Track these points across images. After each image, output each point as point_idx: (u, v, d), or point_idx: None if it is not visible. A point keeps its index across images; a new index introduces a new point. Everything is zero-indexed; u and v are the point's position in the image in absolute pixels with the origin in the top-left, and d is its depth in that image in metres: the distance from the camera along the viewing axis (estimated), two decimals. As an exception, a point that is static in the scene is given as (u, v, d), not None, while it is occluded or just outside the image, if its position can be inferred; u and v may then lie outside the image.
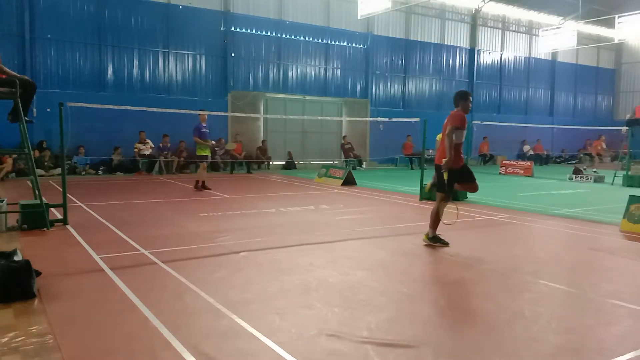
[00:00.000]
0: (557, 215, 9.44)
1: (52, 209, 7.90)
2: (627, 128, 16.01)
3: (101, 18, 17.00)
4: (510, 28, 27.82)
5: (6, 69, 7.16)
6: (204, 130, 12.27)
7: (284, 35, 20.53)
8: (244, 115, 18.09)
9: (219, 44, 19.27)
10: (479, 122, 20.72)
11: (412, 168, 21.90)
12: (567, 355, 3.40)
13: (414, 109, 23.45)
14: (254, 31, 19.87)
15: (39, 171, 11.59)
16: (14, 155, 14.37)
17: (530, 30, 28.33)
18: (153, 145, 17.25)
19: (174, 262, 5.55)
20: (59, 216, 7.73)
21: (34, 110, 13.92)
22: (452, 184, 6.53)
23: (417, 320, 4.00)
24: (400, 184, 14.71)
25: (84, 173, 16.03)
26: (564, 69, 30.13)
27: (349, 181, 14.21)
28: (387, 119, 19.16)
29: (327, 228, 7.82)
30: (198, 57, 18.90)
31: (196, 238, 6.83)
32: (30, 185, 8.82)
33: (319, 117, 19.94)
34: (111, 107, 13.12)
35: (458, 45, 25.78)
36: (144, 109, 12.61)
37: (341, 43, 22.03)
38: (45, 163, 15.28)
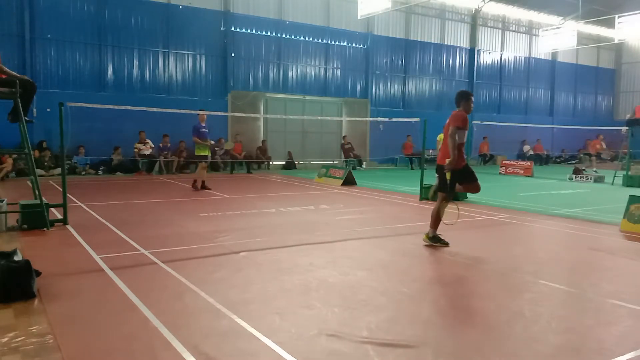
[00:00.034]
0: (557, 215, 9.44)
1: (52, 209, 7.90)
2: (627, 128, 16.00)
3: (101, 18, 17.00)
4: (510, 28, 27.82)
5: (6, 69, 7.16)
6: (203, 130, 12.28)
7: (284, 35, 20.54)
8: (244, 115, 18.10)
9: (219, 44, 19.27)
10: (479, 122, 20.72)
11: (412, 168, 21.90)
12: (567, 355, 3.39)
13: (414, 109, 23.46)
14: (254, 31, 19.87)
15: (39, 171, 11.60)
16: (14, 155, 14.37)
17: (530, 30, 28.33)
18: (153, 145, 17.25)
19: (174, 262, 5.55)
20: (59, 216, 7.73)
21: (34, 110, 13.93)
22: (454, 184, 6.53)
23: (417, 320, 4.00)
24: (400, 184, 14.71)
25: (84, 173, 16.03)
26: (564, 69, 30.14)
27: (349, 181, 14.21)
28: (387, 119, 19.15)
29: (327, 228, 7.82)
30: (198, 57, 18.91)
31: (196, 238, 6.83)
32: (30, 185, 8.82)
33: (319, 117, 19.95)
34: (111, 107, 13.13)
35: (458, 45, 25.78)
36: (144, 109, 12.62)
37: (341, 43, 22.03)
38: (45, 163, 15.28)
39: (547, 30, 23.95)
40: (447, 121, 6.55)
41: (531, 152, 26.94)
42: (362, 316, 4.01)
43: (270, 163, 20.12)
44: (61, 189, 7.81)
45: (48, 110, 14.63)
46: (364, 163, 22.09)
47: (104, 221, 7.96)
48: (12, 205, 7.76)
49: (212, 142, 12.78)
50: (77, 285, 4.73)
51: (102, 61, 17.16)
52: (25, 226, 7.17)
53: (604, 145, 28.47)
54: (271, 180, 15.89)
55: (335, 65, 22.03)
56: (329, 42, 21.65)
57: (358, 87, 22.75)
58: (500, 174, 19.17)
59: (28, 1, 15.75)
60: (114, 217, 8.28)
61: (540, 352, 3.41)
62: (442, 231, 6.69)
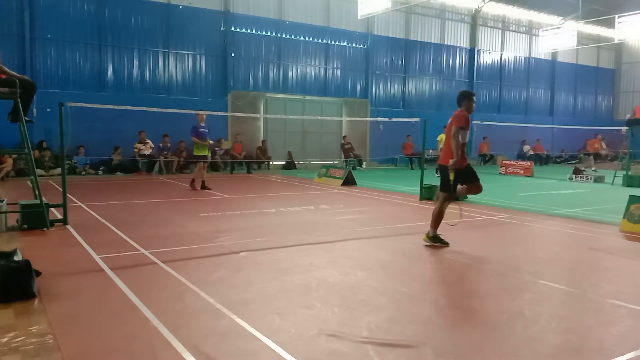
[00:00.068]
0: (557, 215, 9.44)
1: (52, 209, 7.90)
2: (627, 128, 16.01)
3: (101, 18, 17.00)
4: (510, 28, 27.82)
5: (6, 69, 7.16)
6: (201, 130, 12.29)
7: (284, 35, 20.53)
8: (244, 115, 18.10)
9: (219, 44, 19.27)
10: (479, 122, 20.71)
11: (412, 168, 21.90)
12: (567, 355, 3.39)
13: (414, 109, 23.45)
14: (254, 31, 19.87)
15: (39, 171, 11.60)
16: (14, 155, 14.37)
17: (530, 30, 28.33)
18: (153, 145, 17.25)
19: (174, 262, 5.55)
20: (59, 216, 7.73)
21: (34, 110, 13.94)
22: (456, 184, 6.53)
23: (417, 320, 4.00)
24: (400, 184, 14.71)
25: (84, 173, 16.03)
26: (564, 69, 30.13)
27: (349, 181, 14.21)
28: (387, 119, 19.15)
29: (327, 228, 7.82)
30: (198, 57, 18.90)
31: (196, 238, 6.83)
32: (30, 185, 8.82)
33: (319, 117, 19.95)
34: (111, 107, 13.13)
35: (458, 45, 25.78)
36: (144, 109, 12.62)
37: (341, 43, 22.03)
38: (45, 163, 15.29)
39: (547, 30, 23.95)
40: (449, 121, 6.55)
41: (531, 152, 26.93)
42: (362, 316, 4.01)
43: (270, 163, 20.12)
44: (61, 189, 7.81)
45: (48, 110, 14.63)
46: (364, 163, 22.09)
47: (104, 221, 7.96)
48: (12, 205, 7.76)
49: (211, 142, 12.77)
50: (77, 285, 4.73)
51: (102, 61, 17.16)
52: (25, 226, 7.17)
53: (603, 145, 28.51)
54: (271, 180, 15.89)
55: (335, 65, 22.02)
56: (329, 42, 21.64)
57: (358, 87, 22.75)
58: (500, 174, 19.17)
59: (28, 1, 15.74)
60: (114, 217, 8.28)
61: (540, 352, 3.41)
62: (442, 231, 6.69)
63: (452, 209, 6.67)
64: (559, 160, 28.22)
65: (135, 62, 17.76)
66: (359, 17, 19.45)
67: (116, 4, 17.19)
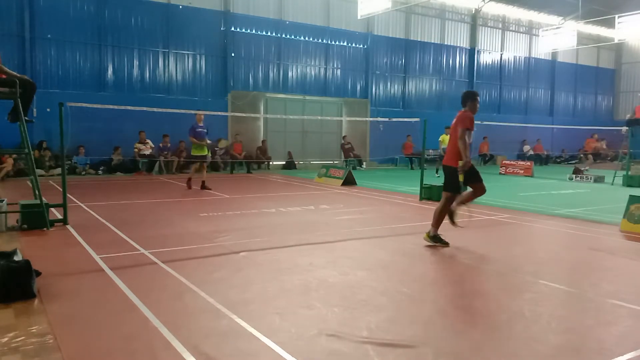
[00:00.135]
0: (557, 215, 9.44)
1: (52, 209, 7.90)
2: (627, 128, 16.01)
3: (101, 18, 17.00)
4: (510, 28, 27.81)
5: (6, 69, 7.16)
6: (199, 130, 12.30)
7: (284, 35, 20.53)
8: (244, 115, 18.10)
9: (219, 44, 19.27)
10: (479, 122, 20.63)
11: (412, 168, 21.90)
12: (567, 355, 3.39)
13: (414, 109, 23.46)
14: (254, 31, 19.87)
15: (39, 171, 11.59)
16: (14, 155, 14.37)
17: (530, 30, 28.32)
18: (153, 145, 17.25)
19: (174, 262, 5.55)
20: (59, 216, 7.73)
21: (34, 110, 13.93)
22: (459, 184, 6.55)
23: (417, 320, 4.00)
24: (400, 184, 14.71)
25: (84, 173, 16.03)
26: (564, 69, 30.13)
27: (349, 181, 14.20)
28: (387, 119, 19.15)
29: (327, 228, 7.82)
30: (198, 57, 18.90)
31: (196, 238, 6.83)
32: (30, 185, 8.82)
33: (319, 117, 19.95)
34: (111, 107, 13.14)
35: (458, 45, 25.77)
36: (144, 109, 12.61)
37: (341, 43, 22.03)
38: (46, 163, 15.29)
39: (547, 30, 23.95)
40: (454, 122, 6.54)
41: (531, 152, 26.94)
42: (362, 316, 4.01)
43: (270, 163, 20.11)
44: (61, 189, 7.81)
45: (48, 110, 14.63)
46: (364, 163, 22.09)
47: (104, 221, 7.96)
48: (12, 205, 7.76)
49: (209, 141, 12.77)
50: (77, 285, 4.73)
51: (102, 61, 17.16)
52: (25, 226, 7.17)
53: (603, 145, 28.52)
54: (271, 180, 15.89)
55: (335, 65, 22.02)
56: (329, 42, 21.64)
57: (358, 87, 22.75)
58: (500, 174, 19.17)
59: (28, 1, 15.74)
60: (114, 217, 8.28)
61: (540, 352, 3.41)
62: (443, 231, 6.69)
63: (461, 210, 6.66)
64: (559, 160, 28.22)
65: (135, 62, 17.76)
66: (359, 17, 19.46)
67: (116, 4, 17.19)
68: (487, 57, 26.93)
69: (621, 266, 5.95)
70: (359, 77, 22.71)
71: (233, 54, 19.40)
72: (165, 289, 4.65)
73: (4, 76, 7.02)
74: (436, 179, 14.54)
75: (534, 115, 28.85)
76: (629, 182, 14.84)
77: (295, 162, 20.72)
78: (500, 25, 27.31)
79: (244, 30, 19.64)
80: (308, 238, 7.05)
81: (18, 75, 7.20)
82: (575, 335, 3.77)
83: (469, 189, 6.71)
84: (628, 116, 16.98)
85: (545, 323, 3.93)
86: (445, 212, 6.59)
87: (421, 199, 11.20)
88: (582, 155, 27.95)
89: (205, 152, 12.57)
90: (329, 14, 21.54)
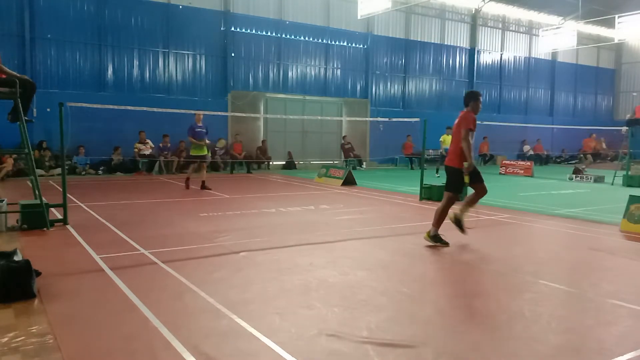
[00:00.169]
0: (557, 215, 9.44)
1: (52, 209, 7.90)
2: (627, 128, 16.01)
3: (101, 18, 17.00)
4: (510, 28, 27.81)
5: (6, 68, 7.16)
6: (198, 130, 12.30)
7: (284, 35, 20.53)
8: (244, 115, 18.09)
9: (219, 44, 19.27)
10: (479, 122, 20.63)
11: (412, 168, 21.90)
12: (567, 355, 3.39)
13: (414, 109, 23.45)
14: (254, 31, 19.87)
15: (39, 171, 11.60)
16: (14, 155, 14.37)
17: (530, 30, 28.32)
18: (153, 145, 17.25)
19: (174, 262, 5.55)
20: (59, 216, 7.73)
21: (34, 110, 13.92)
22: (461, 185, 6.55)
23: (417, 320, 4.00)
24: (400, 184, 14.71)
25: (84, 173, 16.03)
26: (564, 69, 30.13)
27: (349, 181, 14.20)
28: (387, 119, 19.15)
29: (327, 228, 7.82)
30: (198, 57, 18.90)
31: (196, 238, 6.83)
32: (30, 185, 8.82)
33: (319, 117, 19.95)
34: (111, 107, 13.14)
35: (458, 45, 25.77)
36: (144, 109, 12.61)
37: (341, 43, 22.02)
38: (46, 163, 15.29)
39: (547, 30, 23.95)
40: (456, 122, 6.54)
41: (531, 152, 26.93)
42: (362, 316, 4.01)
43: (270, 163, 20.11)
44: (61, 189, 7.81)
45: (48, 110, 14.62)
46: (364, 163, 22.08)
47: (104, 221, 7.96)
48: (12, 205, 7.76)
49: (208, 141, 12.77)
50: (77, 285, 4.73)
51: (102, 61, 17.15)
52: (25, 226, 7.17)
53: (603, 145, 28.52)
54: (271, 180, 15.89)
55: (335, 65, 22.02)
56: (329, 42, 21.64)
57: (358, 87, 22.75)
58: (500, 174, 19.17)
59: (28, 1, 15.74)
60: (114, 217, 8.28)
61: (540, 352, 3.41)
62: (443, 231, 6.69)
63: (467, 217, 6.68)
64: (559, 160, 28.22)
65: (135, 62, 17.75)
66: (359, 17, 19.46)
67: (116, 4, 17.19)
68: (487, 57, 26.93)
69: (621, 266, 5.95)
70: (359, 77, 22.70)
71: (233, 54, 19.40)
72: (165, 289, 4.65)
73: (4, 76, 7.02)
74: (436, 179, 14.54)
75: (534, 115, 28.84)
76: (629, 182, 14.84)
77: (295, 162, 20.72)
78: (500, 25, 27.31)
79: (244, 30, 19.64)
80: (308, 238, 7.05)
81: (18, 75, 7.20)
82: (575, 335, 3.77)
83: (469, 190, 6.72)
84: (628, 116, 16.99)
85: (545, 323, 3.93)
86: (447, 212, 6.59)
87: (421, 199, 11.20)
88: (581, 156, 27.95)
89: (204, 152, 12.57)
90: (329, 14, 21.54)
